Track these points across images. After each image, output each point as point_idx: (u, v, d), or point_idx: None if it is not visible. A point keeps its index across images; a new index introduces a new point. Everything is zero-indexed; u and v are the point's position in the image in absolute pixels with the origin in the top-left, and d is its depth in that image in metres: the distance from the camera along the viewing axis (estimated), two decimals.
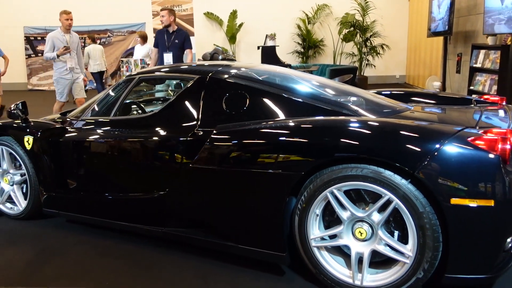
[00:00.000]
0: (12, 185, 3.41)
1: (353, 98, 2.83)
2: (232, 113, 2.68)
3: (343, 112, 2.51)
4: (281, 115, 2.57)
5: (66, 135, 3.21)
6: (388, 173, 2.02)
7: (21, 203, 3.39)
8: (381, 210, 2.11)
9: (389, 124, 2.21)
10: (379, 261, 2.22)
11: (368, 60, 12.17)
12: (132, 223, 2.88)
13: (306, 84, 2.96)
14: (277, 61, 8.62)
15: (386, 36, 12.17)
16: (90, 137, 3.11)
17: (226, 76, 2.85)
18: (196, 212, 2.61)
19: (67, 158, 3.18)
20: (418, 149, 1.97)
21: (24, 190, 3.41)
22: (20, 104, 3.28)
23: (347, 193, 2.18)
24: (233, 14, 13.00)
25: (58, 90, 6.35)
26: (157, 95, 5.06)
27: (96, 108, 3.28)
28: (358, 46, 12.26)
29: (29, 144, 3.19)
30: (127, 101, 3.40)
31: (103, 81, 10.45)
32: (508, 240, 2.00)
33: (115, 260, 2.75)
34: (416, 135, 2.05)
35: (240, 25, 13.12)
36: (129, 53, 14.01)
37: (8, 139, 3.31)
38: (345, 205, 2.16)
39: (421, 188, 1.98)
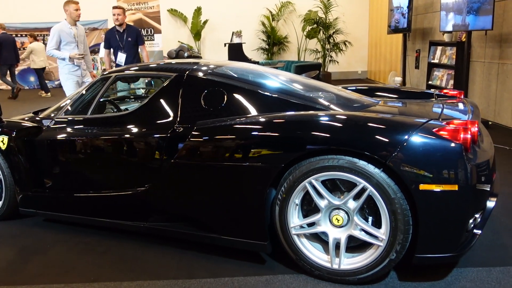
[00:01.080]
0: None
1: (325, 94, 2.99)
2: (210, 109, 2.77)
3: (316, 107, 2.65)
4: (258, 111, 2.68)
5: (43, 134, 3.21)
6: (362, 163, 2.17)
7: None
8: (356, 197, 2.26)
9: (362, 117, 2.36)
10: (354, 245, 2.38)
11: (331, 57, 12.47)
12: (113, 219, 2.92)
13: (279, 81, 3.09)
14: (243, 58, 8.73)
15: (348, 33, 12.51)
16: (68, 136, 3.12)
17: (203, 73, 2.93)
18: (179, 206, 2.69)
19: (44, 157, 3.19)
20: (389, 140, 2.14)
21: None
22: None
23: (323, 183, 2.33)
24: (198, 11, 12.99)
25: (68, 89, 5.59)
26: (122, 94, 5.06)
27: (72, 107, 3.29)
28: (322, 43, 12.54)
29: (3, 144, 3.17)
30: (104, 100, 3.42)
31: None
32: (470, 221, 2.20)
33: (98, 256, 2.79)
34: (387, 127, 2.21)
35: (205, 22, 13.13)
36: (91, 50, 13.75)
37: None
38: (322, 194, 2.31)
39: (392, 176, 2.15)
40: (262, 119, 2.49)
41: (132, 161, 2.90)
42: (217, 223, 2.58)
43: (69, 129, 3.17)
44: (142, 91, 4.75)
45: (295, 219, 2.39)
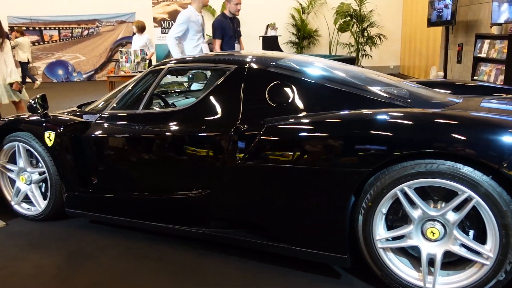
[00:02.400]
0: (29, 184, 3.18)
1: (398, 89, 2.69)
2: (275, 105, 2.51)
3: (395, 104, 2.36)
4: (329, 107, 2.40)
5: (91, 130, 2.99)
6: (467, 169, 1.88)
7: (40, 204, 3.16)
8: (455, 208, 1.97)
9: (466, 117, 2.06)
10: (447, 262, 2.09)
11: (364, 51, 12.07)
12: (169, 224, 2.69)
13: (348, 74, 2.80)
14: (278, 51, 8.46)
15: (382, 26, 12.09)
16: (119, 132, 2.90)
17: (266, 66, 2.67)
18: (244, 212, 2.44)
19: (93, 155, 2.97)
20: (502, 143, 1.84)
21: (43, 190, 3.20)
22: (40, 97, 3.04)
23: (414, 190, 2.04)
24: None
25: None
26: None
27: (121, 102, 3.07)
28: (355, 36, 12.15)
29: (50, 140, 2.96)
30: (156, 93, 3.19)
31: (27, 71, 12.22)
32: None
33: (154, 264, 2.57)
34: (496, 128, 1.91)
35: None
36: (119, 43, 13.66)
37: (25, 135, 3.08)
38: (416, 204, 2.03)
39: (503, 184, 1.86)
40: (345, 117, 2.21)
41: (190, 161, 2.65)
42: (289, 232, 2.32)
43: (119, 125, 2.94)
44: (186, 85, 4.50)
45: (381, 230, 2.11)
